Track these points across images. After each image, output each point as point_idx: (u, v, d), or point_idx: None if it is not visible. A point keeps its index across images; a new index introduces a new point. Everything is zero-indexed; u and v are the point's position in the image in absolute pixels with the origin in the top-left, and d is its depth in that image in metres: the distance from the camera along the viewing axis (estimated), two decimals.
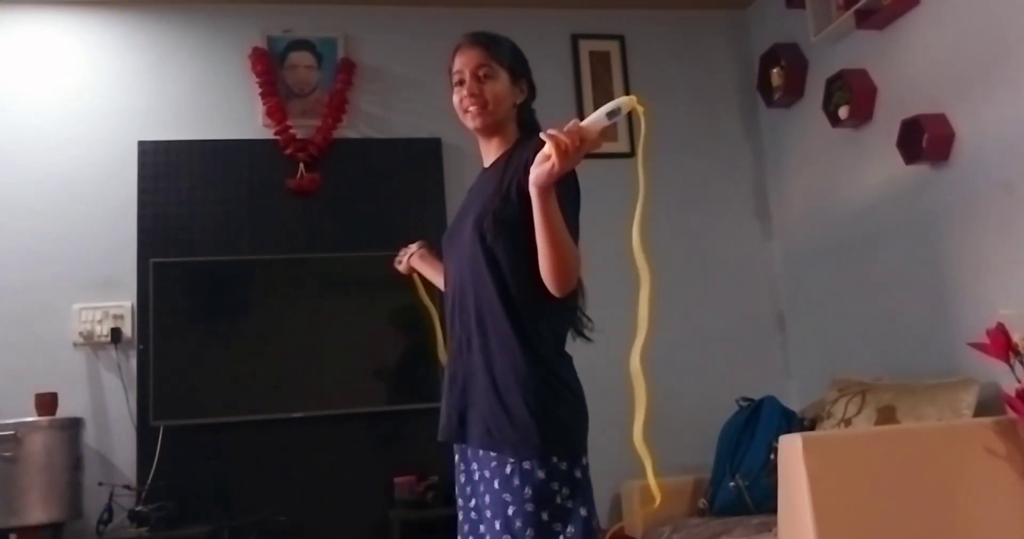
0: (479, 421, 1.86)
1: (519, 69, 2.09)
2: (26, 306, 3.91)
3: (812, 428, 3.35)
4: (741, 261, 4.56)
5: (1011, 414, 2.57)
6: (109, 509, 3.62)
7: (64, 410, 3.67)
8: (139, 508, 3.58)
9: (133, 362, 3.93)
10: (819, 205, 4.17)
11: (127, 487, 3.71)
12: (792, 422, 3.41)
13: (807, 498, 2.43)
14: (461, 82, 2.05)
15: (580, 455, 1.83)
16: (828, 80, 3.88)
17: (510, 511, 1.77)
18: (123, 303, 3.97)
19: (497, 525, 1.79)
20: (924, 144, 3.27)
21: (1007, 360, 2.55)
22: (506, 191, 1.90)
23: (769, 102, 4.45)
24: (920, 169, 3.40)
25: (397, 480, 3.86)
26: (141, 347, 3.91)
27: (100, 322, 3.93)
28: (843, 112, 3.77)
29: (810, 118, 4.16)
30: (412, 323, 4.06)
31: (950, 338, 3.26)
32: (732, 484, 3.32)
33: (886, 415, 2.97)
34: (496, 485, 1.81)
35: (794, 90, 4.25)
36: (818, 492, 2.44)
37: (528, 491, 1.76)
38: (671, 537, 3.24)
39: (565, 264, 1.75)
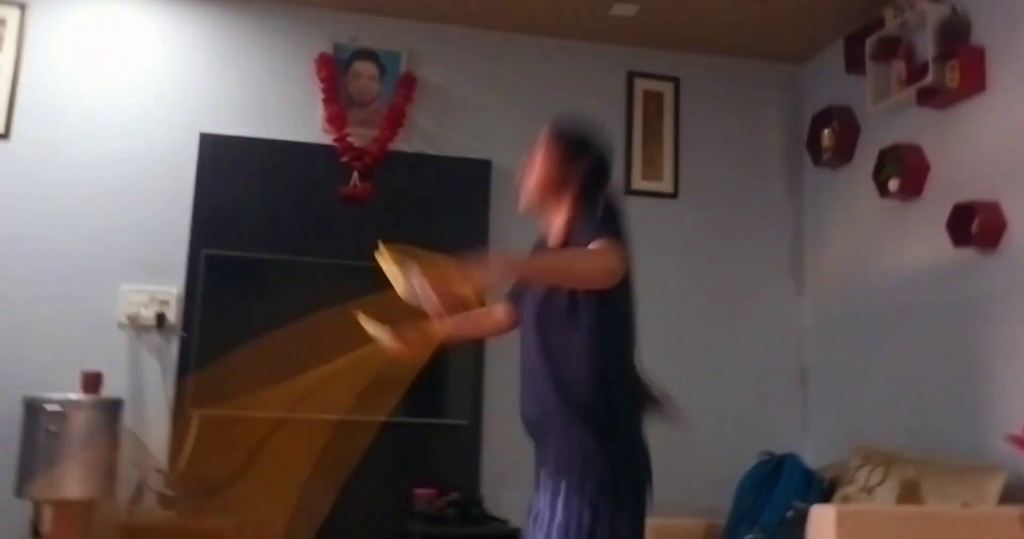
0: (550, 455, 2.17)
1: (575, 148, 2.26)
2: (76, 284, 4.00)
3: (832, 490, 3.46)
4: (770, 311, 4.67)
5: None
6: (140, 490, 3.71)
7: (106, 390, 3.74)
8: (168, 492, 3.68)
9: (174, 348, 4.02)
10: (856, 269, 4.27)
11: (159, 471, 3.81)
12: (812, 482, 3.51)
13: None
14: None
15: (607, 495, 2.03)
16: (882, 151, 3.98)
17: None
18: (170, 289, 4.06)
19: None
20: (975, 229, 3.38)
21: None
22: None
23: (817, 161, 4.55)
24: (967, 254, 3.50)
25: (417, 492, 3.96)
26: (184, 334, 4.00)
27: (146, 306, 4.02)
28: (893, 184, 3.87)
29: (857, 183, 4.25)
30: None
31: (976, 422, 3.37)
32: (749, 537, 3.43)
33: (910, 490, 3.08)
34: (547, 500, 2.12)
35: (843, 154, 4.35)
36: None
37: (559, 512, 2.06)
38: None
39: (575, 276, 2.02)
